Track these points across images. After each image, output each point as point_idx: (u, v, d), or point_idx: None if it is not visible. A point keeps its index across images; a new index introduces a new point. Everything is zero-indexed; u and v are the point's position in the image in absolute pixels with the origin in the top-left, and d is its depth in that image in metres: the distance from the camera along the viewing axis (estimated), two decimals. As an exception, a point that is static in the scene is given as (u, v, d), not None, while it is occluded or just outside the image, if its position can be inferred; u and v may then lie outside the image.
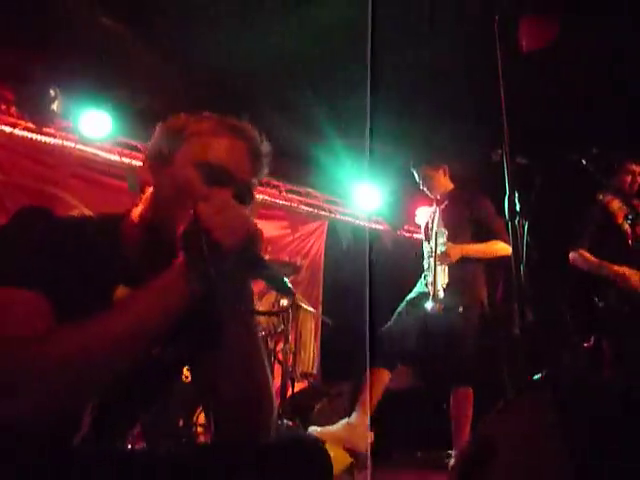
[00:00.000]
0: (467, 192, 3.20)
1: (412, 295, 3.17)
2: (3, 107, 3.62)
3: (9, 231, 0.88)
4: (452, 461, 2.97)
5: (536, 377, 1.49)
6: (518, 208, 2.05)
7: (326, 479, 0.96)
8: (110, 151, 4.07)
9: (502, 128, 2.09)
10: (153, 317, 0.82)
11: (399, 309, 3.16)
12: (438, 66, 3.45)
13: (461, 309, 2.89)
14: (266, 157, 1.01)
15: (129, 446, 1.81)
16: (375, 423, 4.03)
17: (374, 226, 5.58)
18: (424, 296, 3.04)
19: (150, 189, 0.99)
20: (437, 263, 2.96)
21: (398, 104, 3.63)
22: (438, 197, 3.27)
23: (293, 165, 4.72)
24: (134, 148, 4.05)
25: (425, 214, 3.37)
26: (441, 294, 2.89)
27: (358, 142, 3.79)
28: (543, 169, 2.34)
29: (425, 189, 3.30)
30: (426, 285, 3.05)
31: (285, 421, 3.01)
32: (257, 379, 0.98)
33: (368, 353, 2.86)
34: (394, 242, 5.53)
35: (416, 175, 3.30)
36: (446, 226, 3.05)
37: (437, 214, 3.15)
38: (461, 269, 2.96)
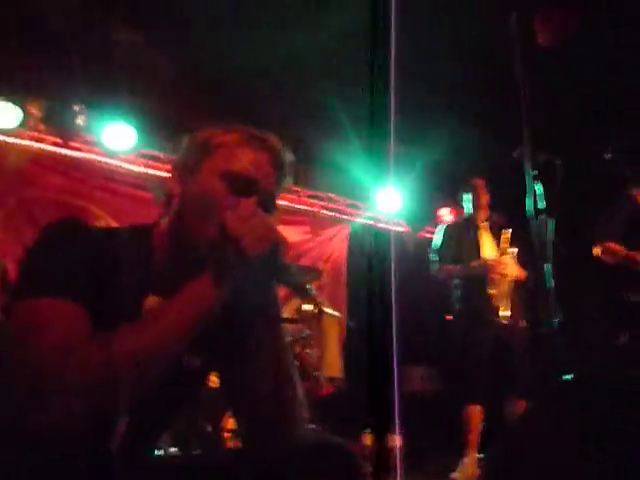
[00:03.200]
0: (503, 218, 3.47)
1: (471, 315, 3.28)
2: (31, 123, 3.73)
3: (45, 244, 0.91)
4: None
5: (566, 377, 1.47)
6: (542, 205, 2.03)
7: None
8: (134, 162, 4.15)
9: (523, 125, 2.07)
10: (183, 326, 0.85)
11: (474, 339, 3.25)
12: (458, 66, 3.44)
13: (524, 323, 3.23)
14: (289, 167, 1.04)
15: (161, 451, 1.83)
16: (405, 427, 4.00)
17: (395, 228, 5.56)
18: (483, 312, 3.18)
19: (177, 200, 1.00)
20: (503, 280, 3.19)
21: (419, 105, 3.62)
22: (478, 213, 3.43)
23: (314, 170, 4.75)
24: (157, 159, 4.12)
25: (460, 226, 3.53)
26: (508, 311, 3.15)
27: (379, 144, 3.78)
28: (567, 164, 2.30)
29: (470, 198, 3.47)
30: (484, 300, 3.20)
31: (311, 425, 3.01)
32: (287, 382, 1.00)
33: (395, 355, 2.88)
34: (416, 243, 5.50)
35: (468, 183, 3.49)
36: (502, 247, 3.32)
37: (482, 231, 3.38)
38: (515, 287, 3.27)
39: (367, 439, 3.81)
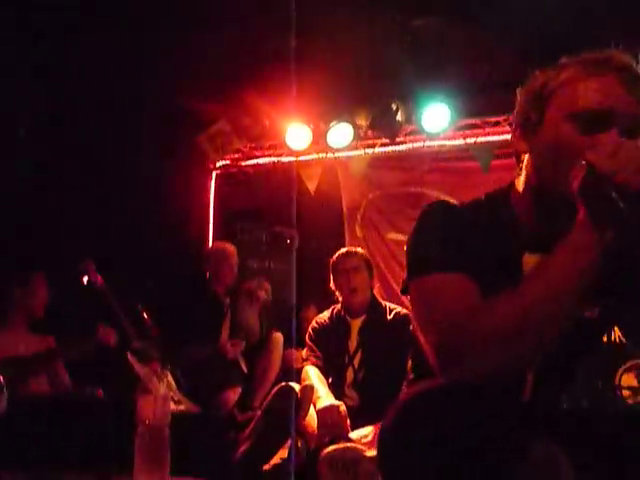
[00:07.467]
0: None
1: None
2: (361, 134, 4.27)
3: (424, 228, 1.00)
4: None
5: None
6: None
7: None
8: (453, 137, 4.26)
9: None
10: (570, 278, 0.83)
11: None
12: None
13: None
14: None
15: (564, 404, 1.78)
16: None
17: None
18: None
19: (527, 156, 0.99)
20: None
21: None
22: None
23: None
24: (474, 126, 4.13)
25: None
26: None
27: None
28: None
29: None
30: None
31: None
32: None
33: None
34: None
35: None
36: None
37: None
38: None
39: None
